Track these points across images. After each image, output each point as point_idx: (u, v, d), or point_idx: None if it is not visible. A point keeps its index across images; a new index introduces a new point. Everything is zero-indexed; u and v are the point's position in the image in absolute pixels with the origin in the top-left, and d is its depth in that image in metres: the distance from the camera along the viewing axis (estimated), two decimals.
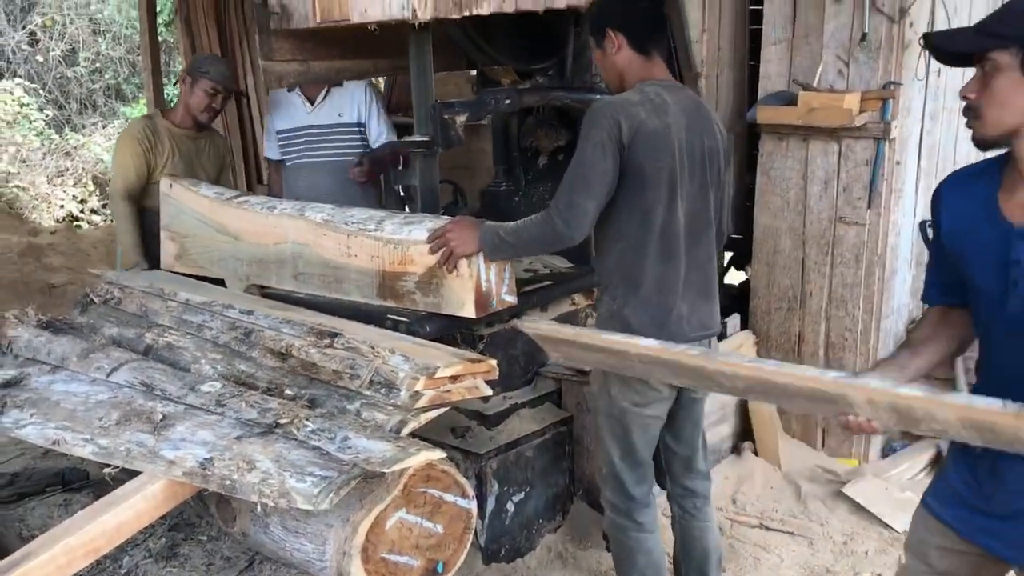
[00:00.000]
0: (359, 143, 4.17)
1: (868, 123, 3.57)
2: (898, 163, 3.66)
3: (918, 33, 3.57)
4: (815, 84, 3.69)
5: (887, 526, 3.35)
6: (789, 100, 3.72)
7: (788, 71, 3.81)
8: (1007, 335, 1.75)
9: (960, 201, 1.82)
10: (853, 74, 3.63)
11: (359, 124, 4.17)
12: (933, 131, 3.89)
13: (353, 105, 4.15)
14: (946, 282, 1.91)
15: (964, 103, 1.71)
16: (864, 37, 3.54)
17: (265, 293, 3.28)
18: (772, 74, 3.86)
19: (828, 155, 3.71)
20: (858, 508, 3.44)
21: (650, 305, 2.52)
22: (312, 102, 4.14)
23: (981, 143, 1.71)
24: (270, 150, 4.34)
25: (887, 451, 3.94)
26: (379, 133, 4.19)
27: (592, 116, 2.42)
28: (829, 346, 3.83)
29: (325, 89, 4.13)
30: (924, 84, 3.74)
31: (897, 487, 3.56)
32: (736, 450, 3.84)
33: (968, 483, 1.87)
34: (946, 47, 1.78)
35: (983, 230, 1.75)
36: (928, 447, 3.84)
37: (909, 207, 3.83)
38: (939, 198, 1.88)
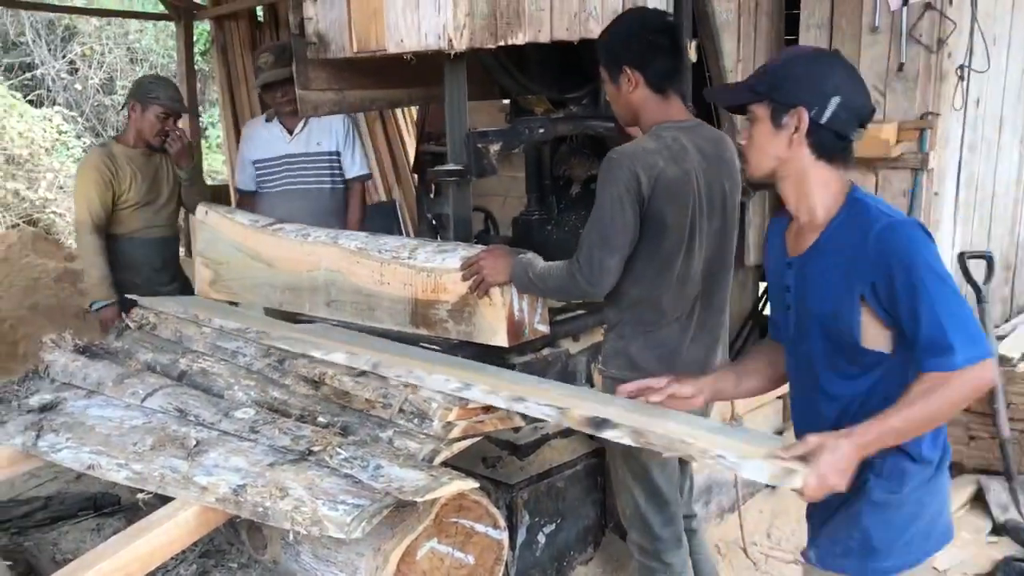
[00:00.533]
0: (335, 171, 4.26)
1: (905, 154, 3.54)
2: (936, 194, 3.62)
3: (956, 63, 3.54)
4: None
5: None
6: None
7: None
8: (790, 355, 2.02)
9: (773, 241, 2.04)
10: (890, 105, 3.60)
11: (335, 153, 4.25)
12: (971, 162, 3.84)
13: (331, 135, 4.24)
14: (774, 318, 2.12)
15: None
16: (901, 67, 3.52)
17: (298, 320, 3.29)
18: None
19: (865, 186, 3.66)
20: None
21: (658, 347, 2.51)
22: (291, 132, 4.23)
23: (750, 183, 2.11)
24: (243, 182, 4.37)
25: None
26: (353, 163, 4.29)
27: (609, 168, 2.39)
28: None
29: (304, 120, 4.20)
30: (962, 114, 3.70)
31: None
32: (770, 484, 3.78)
33: None
34: (719, 100, 2.10)
35: (778, 264, 2.00)
36: (968, 483, 3.76)
37: (947, 238, 3.78)
38: (765, 240, 2.11)
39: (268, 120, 4.30)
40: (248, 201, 4.34)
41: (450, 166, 3.14)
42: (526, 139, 3.18)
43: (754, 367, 2.18)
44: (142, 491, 2.37)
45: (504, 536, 2.39)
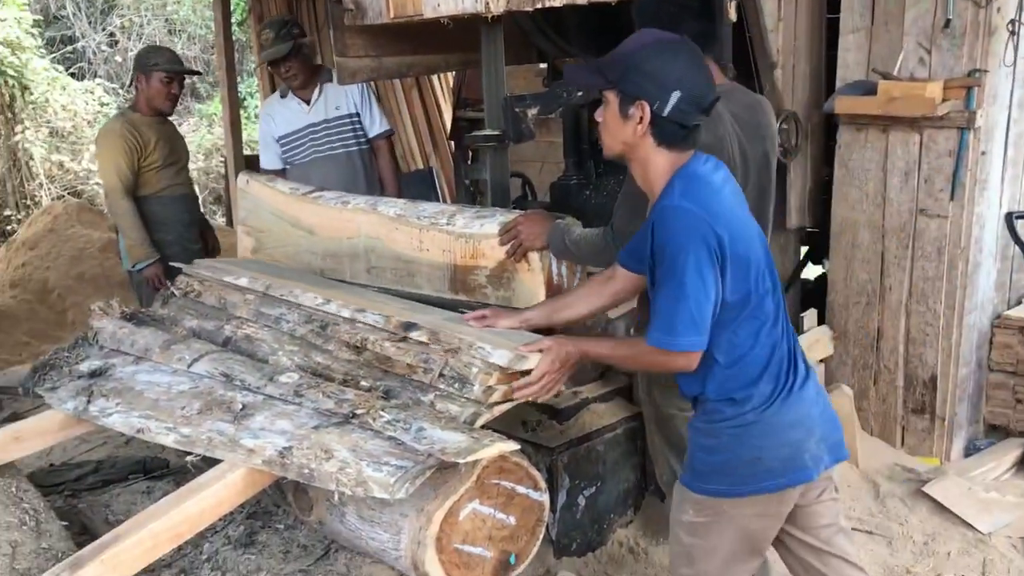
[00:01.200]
0: (358, 133, 4.35)
1: (951, 112, 3.46)
2: (983, 153, 3.54)
3: (1005, 18, 3.44)
4: (895, 73, 3.59)
5: (971, 527, 3.25)
6: (868, 90, 3.62)
7: (867, 60, 3.71)
8: None
9: None
10: (936, 62, 3.52)
11: (355, 115, 4.32)
12: (1021, 120, 3.74)
13: (347, 97, 4.31)
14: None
15: None
16: (948, 23, 3.43)
17: None
18: (850, 63, 3.76)
19: (909, 146, 3.60)
20: (940, 508, 3.34)
21: None
22: (308, 102, 4.29)
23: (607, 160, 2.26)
24: (269, 161, 4.44)
25: (970, 450, 3.82)
26: (373, 121, 4.37)
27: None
28: (909, 341, 3.73)
29: (318, 88, 4.28)
30: (1012, 71, 3.60)
31: (981, 487, 3.45)
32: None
33: None
34: (574, 80, 2.31)
35: None
36: (1015, 446, 3.72)
37: (994, 199, 3.70)
38: None
39: (283, 96, 4.37)
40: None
41: (488, 131, 3.13)
42: (564, 103, 3.17)
43: (573, 298, 2.43)
44: (190, 454, 2.42)
45: (545, 498, 2.41)
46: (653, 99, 1.96)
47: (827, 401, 2.14)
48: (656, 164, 2.03)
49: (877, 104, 3.55)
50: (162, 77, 4.22)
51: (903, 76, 3.59)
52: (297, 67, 4.21)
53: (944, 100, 3.45)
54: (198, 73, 4.53)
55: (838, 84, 3.80)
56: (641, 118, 1.98)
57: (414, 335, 2.59)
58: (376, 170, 4.45)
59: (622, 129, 2.03)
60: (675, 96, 1.94)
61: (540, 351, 2.26)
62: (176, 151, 4.37)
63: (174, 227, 4.33)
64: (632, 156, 2.07)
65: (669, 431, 2.52)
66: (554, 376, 2.25)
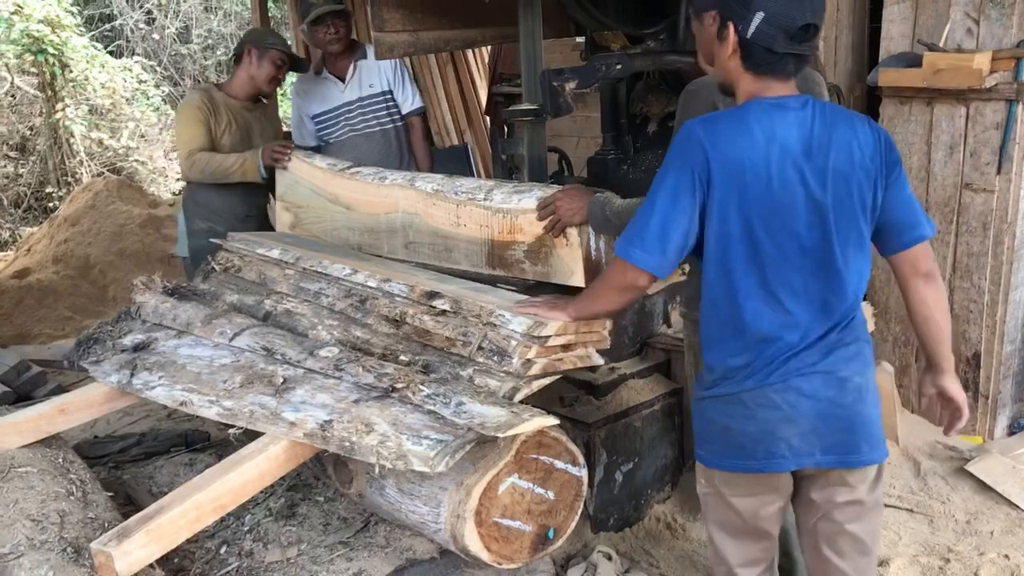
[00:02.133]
0: (393, 110, 4.33)
1: (999, 84, 3.38)
2: None
3: None
4: (941, 44, 3.51)
5: (1015, 506, 3.20)
6: (913, 62, 3.55)
7: (912, 31, 3.63)
8: None
9: None
10: (984, 33, 3.43)
11: (388, 92, 4.30)
12: None
13: (381, 75, 4.27)
14: None
15: None
16: None
17: None
18: (895, 35, 3.68)
19: (955, 119, 3.53)
20: (982, 487, 3.30)
21: None
22: (343, 80, 4.26)
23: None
24: (302, 138, 4.41)
25: (1014, 428, 3.77)
26: (406, 98, 4.35)
27: (686, 100, 2.36)
28: (953, 318, 3.65)
29: (352, 65, 4.24)
30: None
31: None
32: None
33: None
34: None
35: None
36: None
37: None
38: None
39: (317, 73, 4.33)
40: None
41: (525, 105, 3.12)
42: (602, 76, 3.13)
43: None
44: (232, 427, 2.45)
45: (583, 473, 2.41)
46: (738, 20, 1.89)
47: (842, 403, 1.94)
48: (741, 89, 1.96)
49: (922, 76, 3.47)
50: (275, 58, 4.02)
51: (949, 47, 3.51)
52: (343, 30, 4.14)
53: (992, 72, 3.37)
54: (302, 70, 4.38)
55: (882, 56, 3.72)
56: (729, 41, 1.92)
57: (437, 303, 2.61)
58: (410, 147, 4.45)
59: (719, 56, 1.96)
60: (758, 17, 1.86)
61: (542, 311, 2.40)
62: (249, 142, 4.06)
63: (227, 219, 4.02)
64: (727, 80, 2.00)
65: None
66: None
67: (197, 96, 4.04)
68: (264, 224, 4.22)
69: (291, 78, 4.80)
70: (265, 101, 4.25)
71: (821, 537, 2.06)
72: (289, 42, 5.07)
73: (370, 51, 4.21)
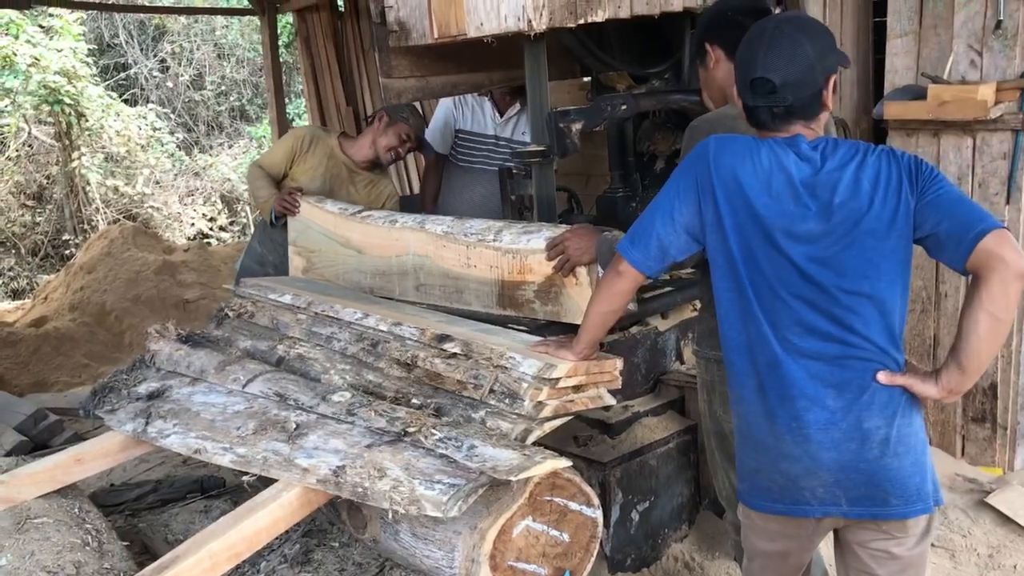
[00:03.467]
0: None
1: (1005, 115, 3.39)
2: None
3: None
4: (945, 76, 3.53)
5: None
6: (918, 94, 3.57)
7: (916, 64, 3.66)
8: None
9: None
10: (987, 64, 3.46)
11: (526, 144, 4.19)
12: None
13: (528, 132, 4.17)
14: None
15: None
16: (999, 24, 3.37)
17: None
18: (899, 67, 3.71)
19: (961, 150, 3.54)
20: (1004, 519, 3.26)
21: None
22: (502, 114, 4.25)
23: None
24: (433, 141, 4.34)
25: None
26: None
27: (691, 136, 2.38)
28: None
29: (518, 107, 4.23)
30: None
31: None
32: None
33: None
34: None
35: None
36: None
37: None
38: None
39: (481, 95, 4.25)
40: (437, 167, 4.42)
41: (532, 147, 3.14)
42: (608, 116, 3.16)
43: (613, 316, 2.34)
44: (246, 474, 2.46)
45: (598, 514, 2.40)
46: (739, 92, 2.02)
47: (865, 457, 1.87)
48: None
49: (927, 108, 3.49)
50: (403, 131, 4.00)
51: (953, 80, 3.53)
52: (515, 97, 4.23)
53: (997, 103, 3.39)
54: (426, 153, 4.37)
55: (886, 89, 3.75)
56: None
57: (448, 346, 2.62)
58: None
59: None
60: (743, 83, 1.99)
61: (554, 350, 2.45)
62: (333, 192, 3.98)
63: (279, 251, 4.02)
64: None
65: (729, 446, 2.48)
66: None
67: (306, 130, 4.10)
68: None
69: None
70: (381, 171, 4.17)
71: None
72: (300, 87, 5.04)
73: None
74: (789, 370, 1.90)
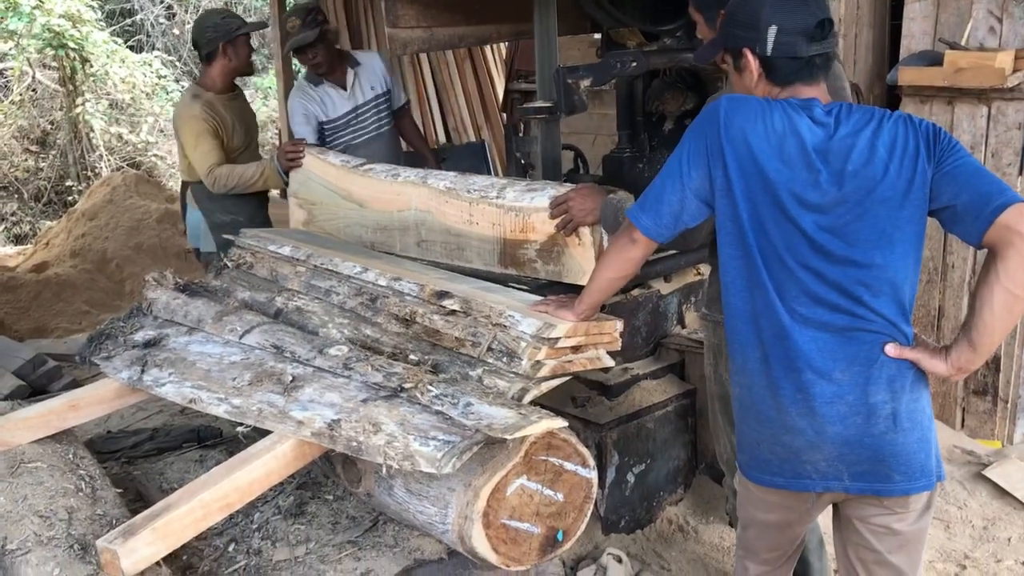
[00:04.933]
0: (386, 110, 4.31)
1: (1023, 84, 3.33)
2: None
3: None
4: (963, 43, 3.46)
5: None
6: (934, 60, 3.50)
7: (933, 29, 3.58)
8: None
9: None
10: (1007, 31, 3.38)
11: (386, 92, 4.29)
12: None
13: (378, 76, 4.26)
14: None
15: None
16: None
17: None
18: (915, 33, 3.63)
19: (976, 119, 3.47)
20: (1001, 492, 3.25)
21: None
22: (345, 87, 4.20)
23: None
24: (312, 138, 4.22)
25: None
26: (399, 95, 4.42)
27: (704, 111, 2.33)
28: None
29: (351, 72, 4.19)
30: None
31: None
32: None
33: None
34: (698, 60, 2.24)
35: None
36: None
37: None
38: None
39: (316, 84, 4.20)
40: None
41: (539, 103, 3.09)
42: (618, 73, 3.09)
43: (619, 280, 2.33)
44: (241, 424, 2.45)
45: (593, 475, 2.39)
46: (752, 42, 1.91)
47: (871, 432, 1.84)
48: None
49: (943, 75, 3.42)
50: (246, 39, 4.07)
51: (971, 46, 3.45)
52: (323, 54, 4.09)
53: (1015, 71, 3.32)
54: (264, 26, 4.33)
55: (902, 54, 3.67)
56: (750, 66, 1.93)
57: (447, 303, 2.60)
58: (407, 139, 4.52)
59: (745, 86, 1.98)
60: (772, 31, 1.87)
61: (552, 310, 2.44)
62: (250, 131, 4.24)
63: (246, 208, 4.14)
64: None
65: (730, 411, 2.46)
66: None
67: (198, 107, 4.01)
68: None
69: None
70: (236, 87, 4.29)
71: (860, 563, 2.00)
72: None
73: (361, 55, 4.27)
74: (796, 341, 1.85)
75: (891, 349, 1.82)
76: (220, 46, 4.04)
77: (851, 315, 1.83)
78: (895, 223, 1.81)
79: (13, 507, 2.37)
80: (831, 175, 1.82)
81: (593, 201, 2.58)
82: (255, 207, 4.21)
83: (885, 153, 1.81)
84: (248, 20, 4.25)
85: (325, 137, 4.26)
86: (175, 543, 2.16)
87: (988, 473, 3.32)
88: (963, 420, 3.74)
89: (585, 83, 3.02)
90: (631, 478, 3.09)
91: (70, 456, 2.72)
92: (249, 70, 4.20)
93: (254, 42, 4.80)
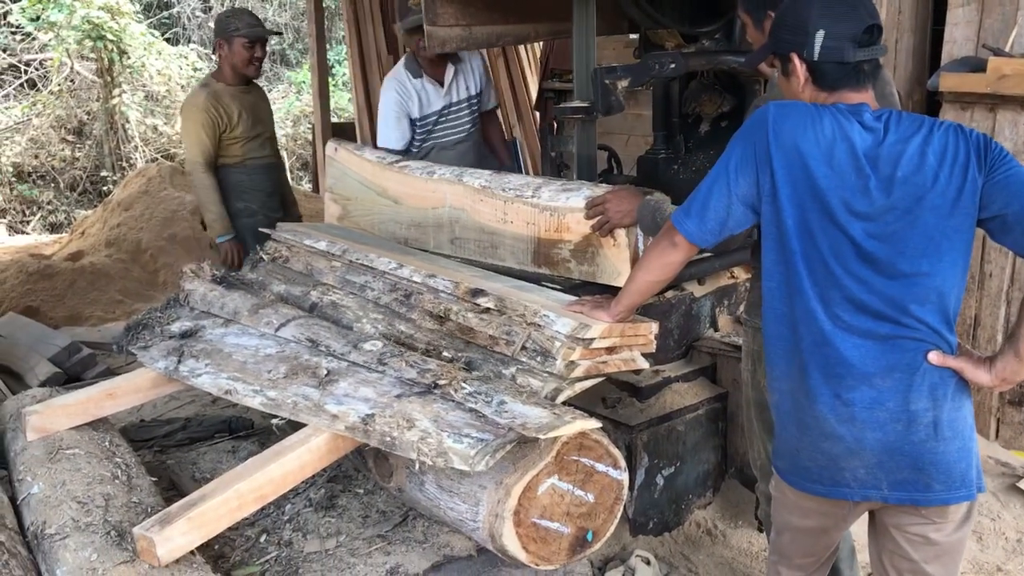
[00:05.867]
0: (476, 112, 4.27)
1: None
2: None
3: None
4: (1007, 49, 3.42)
5: None
6: (976, 67, 3.46)
7: (976, 35, 3.54)
8: None
9: None
10: None
11: (479, 94, 4.26)
12: None
13: (475, 76, 4.22)
14: None
15: None
16: None
17: None
18: (958, 38, 3.59)
19: (1018, 126, 3.43)
20: None
21: None
22: (442, 84, 4.14)
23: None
24: (396, 140, 4.11)
25: None
26: (489, 97, 4.35)
27: (753, 117, 2.31)
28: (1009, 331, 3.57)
29: (452, 67, 4.13)
30: None
31: None
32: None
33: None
34: (747, 65, 2.37)
35: None
36: None
37: None
38: None
39: (415, 76, 4.11)
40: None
41: (576, 103, 3.09)
42: (656, 75, 3.08)
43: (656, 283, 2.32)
44: (275, 416, 2.47)
45: (624, 477, 2.39)
46: (800, 47, 1.90)
47: (911, 439, 1.82)
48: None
49: (986, 82, 3.38)
50: (244, 42, 4.13)
51: (1016, 52, 3.41)
52: (442, 61, 4.04)
53: None
54: (278, 34, 4.36)
55: (944, 60, 3.64)
56: (797, 71, 1.92)
57: (481, 301, 2.60)
58: (489, 142, 4.43)
59: (792, 91, 1.96)
60: (819, 36, 1.86)
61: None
62: (261, 121, 4.32)
63: (257, 196, 4.32)
64: None
65: (769, 417, 2.43)
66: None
67: (203, 98, 4.12)
68: (286, 199, 4.63)
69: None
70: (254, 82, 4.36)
71: (895, 572, 1.97)
72: (342, 34, 5.00)
73: (463, 53, 4.11)
74: (837, 348, 1.84)
75: (934, 357, 1.80)
76: (217, 43, 4.20)
77: (895, 323, 1.81)
78: (943, 232, 1.79)
79: (52, 492, 2.41)
80: (880, 181, 1.80)
81: (630, 203, 2.58)
82: (266, 195, 4.37)
83: (935, 161, 1.79)
84: (262, 28, 4.30)
85: (416, 133, 4.15)
86: (210, 532, 2.19)
87: (1022, 485, 3.28)
88: (998, 431, 3.70)
89: (623, 84, 3.01)
90: (660, 480, 3.08)
91: (106, 444, 2.75)
92: (247, 72, 4.21)
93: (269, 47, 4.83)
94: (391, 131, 4.10)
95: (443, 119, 4.17)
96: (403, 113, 4.10)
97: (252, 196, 4.30)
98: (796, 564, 2.15)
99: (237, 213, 4.24)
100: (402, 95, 4.11)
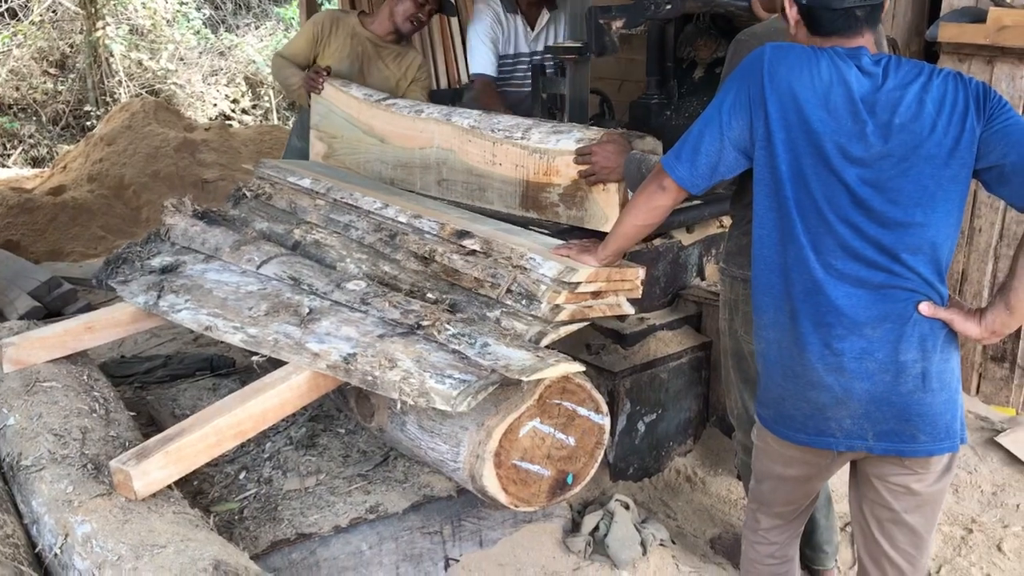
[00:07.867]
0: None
1: None
2: None
3: None
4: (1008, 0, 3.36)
5: None
6: (976, 17, 3.40)
7: None
8: None
9: None
10: None
11: None
12: None
13: (561, 30, 3.94)
14: None
15: None
16: None
17: None
18: None
19: (1016, 79, 3.39)
20: (1011, 459, 3.24)
21: None
22: (533, 28, 3.92)
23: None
24: (485, 65, 3.88)
25: None
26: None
27: (736, 52, 2.26)
28: (995, 286, 3.57)
29: (546, 15, 3.92)
30: None
31: None
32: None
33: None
34: None
35: None
36: None
37: None
38: None
39: (509, 11, 3.89)
40: (492, 89, 3.90)
41: (568, 43, 3.03)
42: (651, 16, 3.02)
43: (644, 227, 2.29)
44: (256, 354, 2.44)
45: (606, 421, 2.38)
46: None
47: (899, 390, 1.81)
48: None
49: (985, 33, 3.33)
50: (418, 4, 3.78)
51: (1017, 3, 3.35)
52: (543, 4, 3.83)
53: None
54: (449, 12, 4.17)
55: (944, 9, 3.57)
56: (790, 14, 1.91)
57: (467, 243, 2.57)
58: None
59: (792, 35, 1.94)
60: None
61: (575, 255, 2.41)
62: (360, 77, 3.84)
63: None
64: None
65: (747, 367, 2.44)
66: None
67: (325, 14, 3.95)
68: None
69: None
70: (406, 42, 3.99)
71: (875, 521, 1.98)
72: None
73: (562, 2, 3.83)
74: (829, 295, 1.81)
75: (925, 308, 1.79)
76: None
77: (887, 272, 1.79)
78: (939, 181, 1.76)
79: (28, 424, 2.38)
80: (877, 127, 1.76)
81: (617, 159, 2.53)
82: None
83: (933, 109, 1.75)
84: None
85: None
86: (188, 467, 2.17)
87: (1000, 440, 3.31)
88: (979, 386, 3.72)
89: (617, 24, 2.95)
90: (641, 427, 3.09)
91: (84, 377, 2.72)
92: (400, 25, 3.84)
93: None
94: (487, 56, 3.85)
95: (518, 67, 3.96)
96: (494, 42, 3.87)
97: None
98: (776, 512, 2.15)
99: (291, 150, 4.05)
100: (495, 23, 3.87)
